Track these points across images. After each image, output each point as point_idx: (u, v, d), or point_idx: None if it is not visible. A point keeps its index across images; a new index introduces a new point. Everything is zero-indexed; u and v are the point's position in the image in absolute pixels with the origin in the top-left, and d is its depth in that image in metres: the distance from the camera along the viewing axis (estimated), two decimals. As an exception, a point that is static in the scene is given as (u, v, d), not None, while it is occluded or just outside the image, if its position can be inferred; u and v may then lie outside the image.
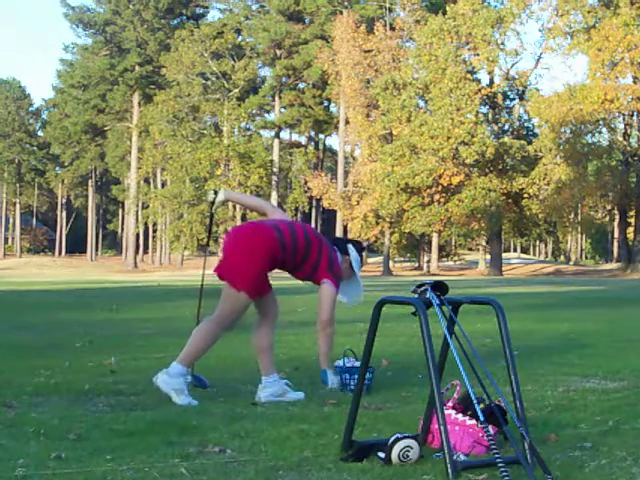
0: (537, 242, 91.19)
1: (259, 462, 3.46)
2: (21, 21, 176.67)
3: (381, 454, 3.48)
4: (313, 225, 71.30)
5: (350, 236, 57.46)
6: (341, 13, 59.58)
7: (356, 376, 4.76)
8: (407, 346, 7.90)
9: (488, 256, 58.78)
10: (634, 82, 49.52)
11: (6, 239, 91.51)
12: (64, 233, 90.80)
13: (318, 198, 62.52)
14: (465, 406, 3.78)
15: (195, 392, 5.06)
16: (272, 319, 5.25)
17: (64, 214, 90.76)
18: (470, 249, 79.12)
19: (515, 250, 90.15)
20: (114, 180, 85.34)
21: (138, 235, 75.15)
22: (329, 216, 76.70)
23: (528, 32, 57.03)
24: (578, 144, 50.50)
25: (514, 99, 56.77)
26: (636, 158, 51.81)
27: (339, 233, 59.84)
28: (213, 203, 5.44)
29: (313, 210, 70.95)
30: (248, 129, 67.40)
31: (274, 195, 64.82)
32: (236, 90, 63.29)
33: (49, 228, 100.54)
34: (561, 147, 51.35)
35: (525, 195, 53.26)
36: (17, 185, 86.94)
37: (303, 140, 75.34)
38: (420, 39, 52.56)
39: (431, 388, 3.34)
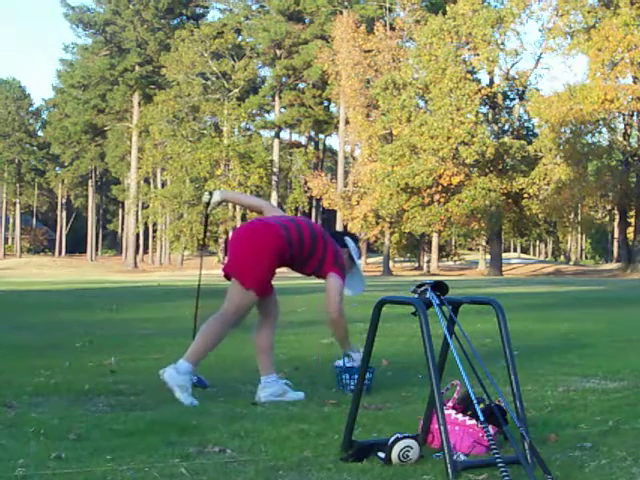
0: (537, 242, 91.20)
1: (259, 462, 3.46)
2: (21, 21, 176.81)
3: (381, 454, 3.48)
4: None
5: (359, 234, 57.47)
6: (341, 13, 59.59)
7: (356, 376, 4.76)
8: (407, 346, 7.90)
9: (488, 256, 58.78)
10: (634, 82, 49.52)
11: (6, 239, 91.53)
12: (64, 233, 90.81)
13: (318, 198, 62.52)
14: (465, 406, 3.78)
15: (195, 392, 5.05)
16: (273, 319, 5.26)
17: (64, 214, 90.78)
18: (470, 249, 79.12)
19: (515, 250, 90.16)
20: (114, 180, 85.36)
21: (138, 235, 75.16)
22: (329, 216, 76.68)
23: (528, 32, 57.12)
24: (578, 144, 50.50)
25: (514, 99, 56.78)
26: (636, 158, 51.81)
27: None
28: (208, 204, 5.44)
29: (313, 210, 70.94)
30: (248, 129, 67.43)
31: (274, 195, 64.83)
32: (236, 90, 63.29)
33: (49, 228, 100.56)
34: (561, 147, 51.36)
35: (525, 195, 53.27)
36: (17, 185, 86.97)
37: (303, 140, 75.38)
38: (420, 39, 52.56)
39: (431, 388, 3.34)
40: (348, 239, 5.48)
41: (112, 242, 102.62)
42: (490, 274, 52.85)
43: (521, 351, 7.10)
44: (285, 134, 74.14)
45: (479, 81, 54.26)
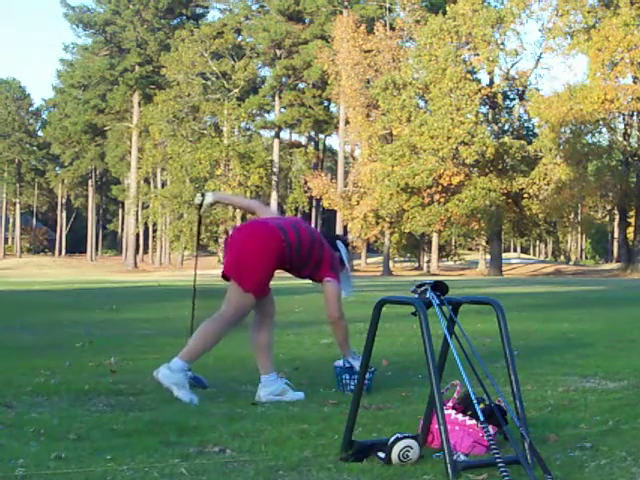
0: (537, 242, 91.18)
1: (259, 462, 3.46)
2: (21, 21, 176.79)
3: (381, 454, 3.48)
4: (313, 225, 71.33)
5: (350, 236, 57.49)
6: (341, 13, 59.59)
7: (356, 376, 4.76)
8: (407, 346, 7.90)
9: (488, 256, 58.78)
10: (634, 82, 49.53)
11: (6, 239, 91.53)
12: (64, 233, 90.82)
13: (318, 198, 62.52)
14: (465, 406, 3.78)
15: (195, 392, 5.06)
16: (270, 319, 5.26)
17: (64, 214, 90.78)
18: (470, 249, 79.09)
19: (515, 250, 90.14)
20: (114, 180, 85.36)
21: (138, 235, 75.16)
22: (329, 216, 76.68)
23: (528, 32, 57.13)
24: (578, 144, 50.51)
25: (514, 99, 56.79)
26: (636, 158, 51.82)
27: (339, 233, 59.85)
28: (201, 206, 5.41)
29: (313, 210, 70.94)
30: (248, 129, 67.42)
31: (274, 195, 64.82)
32: (236, 90, 63.28)
33: (49, 228, 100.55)
34: (561, 147, 51.36)
35: (525, 195, 53.26)
36: (17, 185, 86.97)
37: (303, 140, 75.36)
38: (420, 39, 52.57)
39: (431, 388, 3.34)
40: (340, 243, 5.49)
41: (112, 242, 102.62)
42: (490, 274, 52.85)
43: (521, 351, 7.10)
44: (285, 134, 74.21)
45: (479, 81, 54.26)
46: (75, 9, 72.45)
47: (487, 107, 55.14)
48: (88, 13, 72.77)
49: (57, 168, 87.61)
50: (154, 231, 75.52)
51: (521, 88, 55.47)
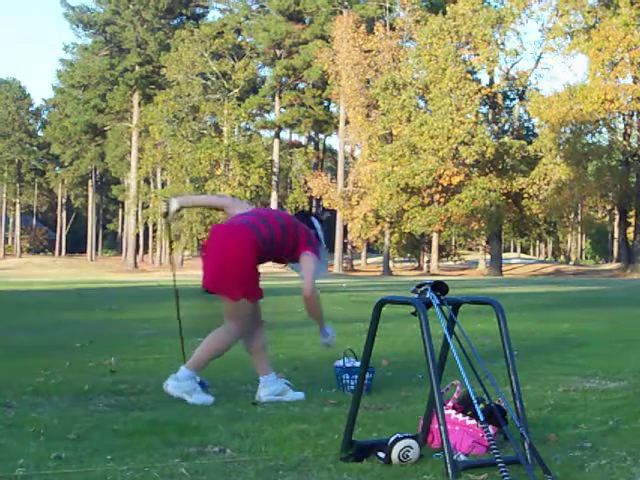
0: (537, 242, 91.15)
1: (259, 462, 3.46)
2: (21, 21, 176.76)
3: (381, 454, 3.48)
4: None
5: (350, 236, 57.53)
6: (341, 13, 59.58)
7: (356, 376, 4.76)
8: (407, 346, 7.90)
9: (488, 256, 58.78)
10: (634, 82, 49.53)
11: (6, 239, 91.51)
12: (64, 233, 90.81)
13: (318, 198, 62.50)
14: (465, 406, 3.78)
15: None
16: (260, 324, 5.24)
17: (64, 214, 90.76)
18: (470, 249, 79.07)
19: (515, 250, 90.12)
20: (114, 180, 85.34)
21: (138, 235, 75.14)
22: (329, 216, 76.65)
23: (528, 32, 57.15)
24: (578, 144, 50.51)
25: (514, 99, 56.80)
26: (636, 158, 51.82)
27: (339, 233, 59.89)
28: (167, 214, 5.30)
29: (313, 210, 70.91)
30: (248, 129, 67.38)
31: (274, 195, 64.81)
32: (236, 90, 63.26)
33: (49, 228, 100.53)
34: (561, 147, 51.36)
35: (525, 195, 53.27)
36: (17, 185, 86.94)
37: (303, 140, 75.33)
38: (420, 39, 52.57)
39: (431, 388, 3.34)
40: (315, 220, 5.42)
41: (112, 242, 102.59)
42: (490, 274, 52.85)
43: (521, 351, 7.10)
44: (285, 134, 74.18)
45: (479, 81, 54.27)
46: (75, 9, 72.41)
47: (487, 107, 55.14)
48: (88, 13, 72.72)
49: (57, 168, 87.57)
50: (154, 231, 75.49)
51: (521, 88, 55.48)
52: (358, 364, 5.15)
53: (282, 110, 66.99)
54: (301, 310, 13.21)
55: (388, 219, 53.75)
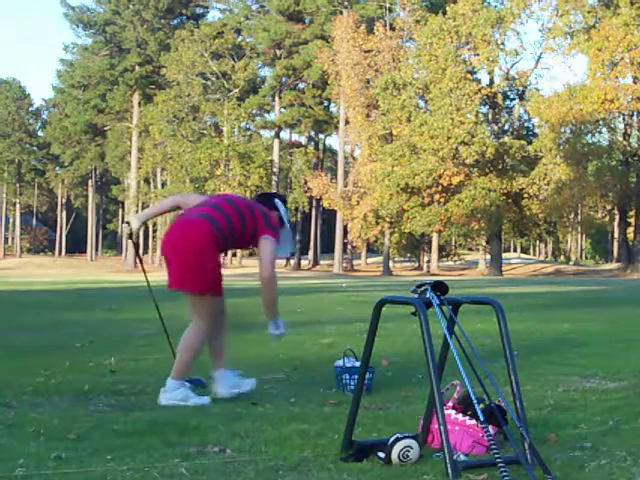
0: (537, 242, 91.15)
1: (259, 462, 3.46)
2: (21, 21, 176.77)
3: (381, 454, 3.48)
4: (313, 225, 71.32)
5: (350, 236, 57.52)
6: (341, 13, 59.57)
7: (356, 376, 4.76)
8: (407, 346, 7.90)
9: (488, 256, 58.77)
10: (634, 82, 49.52)
11: (6, 239, 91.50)
12: (64, 233, 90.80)
13: (318, 198, 62.50)
14: (465, 406, 3.78)
15: (195, 392, 5.07)
16: (223, 314, 5.23)
17: (64, 214, 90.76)
18: (470, 249, 79.08)
19: (515, 250, 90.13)
20: (114, 180, 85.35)
21: (138, 235, 75.05)
22: (329, 216, 76.67)
23: (528, 32, 57.15)
24: (578, 144, 50.50)
25: (514, 99, 56.79)
26: (636, 158, 51.81)
27: (339, 233, 59.89)
28: (131, 234, 5.32)
29: (313, 210, 70.94)
30: (248, 129, 67.38)
31: (274, 195, 64.73)
32: (236, 90, 63.27)
33: (49, 228, 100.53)
34: (561, 147, 51.36)
35: (525, 195, 53.26)
36: (17, 185, 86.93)
37: (303, 140, 75.30)
38: (420, 39, 52.56)
39: (431, 388, 3.34)
40: (278, 202, 5.36)
41: (112, 242, 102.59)
42: (490, 274, 52.84)
43: (521, 351, 7.10)
44: (285, 134, 74.16)
45: (479, 81, 54.25)
46: (75, 9, 72.43)
47: (487, 107, 55.13)
48: (88, 13, 72.74)
49: (57, 168, 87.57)
50: (154, 231, 75.51)
51: (521, 88, 55.47)
52: (358, 364, 5.14)
53: (282, 110, 66.99)
54: (301, 310, 13.22)
55: (388, 219, 53.74)
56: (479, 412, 3.36)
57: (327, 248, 78.88)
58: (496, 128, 54.99)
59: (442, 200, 51.66)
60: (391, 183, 50.32)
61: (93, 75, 70.37)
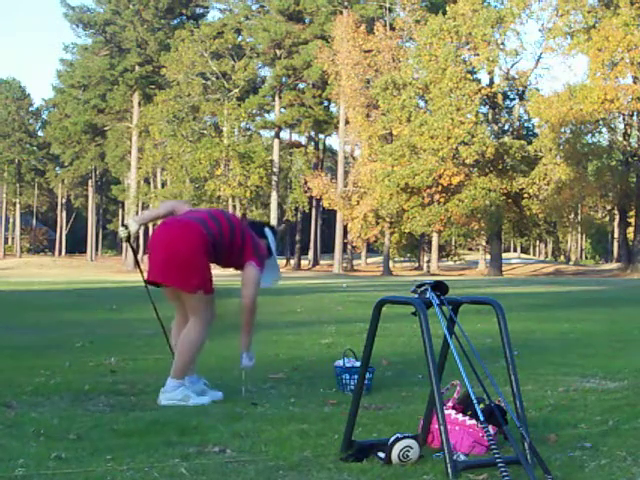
0: (537, 242, 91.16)
1: (259, 462, 3.46)
2: (21, 21, 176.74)
3: (381, 454, 3.48)
4: (313, 225, 71.31)
5: (350, 236, 57.53)
6: (341, 13, 59.57)
7: (356, 376, 4.76)
8: (407, 346, 7.90)
9: (488, 256, 58.77)
10: (634, 82, 49.52)
11: (6, 239, 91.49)
12: (64, 233, 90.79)
13: (318, 198, 62.48)
14: (465, 406, 3.78)
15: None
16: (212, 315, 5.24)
17: (64, 214, 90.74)
18: (470, 249, 79.10)
19: (515, 250, 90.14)
20: (114, 180, 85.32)
21: (138, 235, 75.13)
22: (329, 216, 76.65)
23: (528, 32, 57.16)
24: (578, 144, 50.50)
25: (514, 99, 56.78)
26: (636, 158, 51.81)
27: (339, 233, 59.89)
28: (129, 237, 5.31)
29: (313, 210, 70.95)
30: (248, 129, 67.37)
31: (274, 195, 64.80)
32: (236, 90, 63.26)
33: (49, 228, 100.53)
34: (561, 147, 51.35)
35: (525, 195, 53.26)
36: (17, 185, 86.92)
37: (303, 140, 75.30)
38: (420, 39, 52.55)
39: (431, 388, 3.34)
40: (267, 231, 5.42)
41: (112, 242, 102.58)
42: (490, 274, 52.84)
43: (521, 351, 7.10)
44: (285, 134, 74.14)
45: (479, 81, 54.25)
46: (75, 9, 72.40)
47: (487, 107, 55.13)
48: (88, 13, 72.71)
49: (57, 168, 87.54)
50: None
51: (521, 88, 55.46)
52: (358, 364, 5.15)
53: (282, 110, 66.98)
54: (301, 310, 13.23)
55: (388, 219, 53.74)
56: (479, 412, 3.36)
57: (327, 248, 78.91)
58: (496, 128, 54.99)
59: (442, 200, 51.66)
60: (391, 183, 50.31)
61: (93, 75, 70.35)
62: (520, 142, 52.15)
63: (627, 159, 51.82)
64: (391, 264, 60.83)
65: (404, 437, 3.47)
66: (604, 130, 51.97)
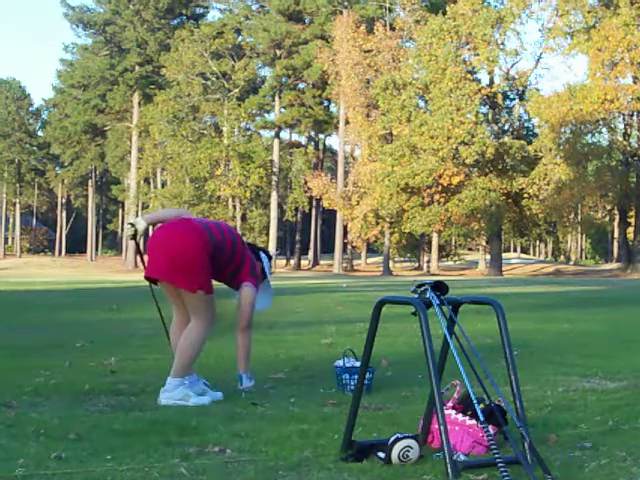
0: (537, 242, 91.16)
1: (259, 462, 3.46)
2: (21, 21, 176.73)
3: (381, 454, 3.48)
4: (313, 225, 71.30)
5: (350, 236, 57.53)
6: (341, 13, 59.57)
7: (356, 376, 4.76)
8: (407, 346, 7.89)
9: (488, 256, 58.77)
10: (634, 82, 49.52)
11: (6, 239, 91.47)
12: (64, 233, 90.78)
13: (318, 198, 62.49)
14: (465, 406, 3.78)
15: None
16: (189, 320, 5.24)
17: (64, 214, 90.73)
18: (470, 249, 79.10)
19: (515, 250, 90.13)
20: (114, 180, 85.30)
21: (143, 235, 75.00)
22: (329, 216, 76.64)
23: (528, 32, 57.17)
24: (578, 144, 50.51)
25: (514, 99, 56.79)
26: (636, 158, 51.81)
27: (339, 233, 59.89)
28: (135, 235, 5.27)
29: (313, 210, 70.94)
30: (248, 129, 67.36)
31: (274, 195, 64.79)
32: (236, 90, 63.26)
33: (49, 228, 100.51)
34: (561, 147, 51.36)
35: (525, 195, 53.27)
36: (17, 185, 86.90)
37: (303, 140, 75.31)
38: (420, 39, 52.55)
39: (431, 388, 3.34)
40: (263, 255, 5.51)
41: (112, 242, 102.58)
42: (490, 274, 52.84)
43: (521, 351, 7.10)
44: (285, 134, 74.15)
45: (479, 81, 54.25)
46: (75, 9, 72.40)
47: (487, 107, 55.13)
48: (88, 13, 72.71)
49: (57, 168, 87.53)
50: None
51: (521, 88, 55.46)
52: (358, 364, 5.15)
53: (282, 110, 66.97)
54: (301, 310, 13.22)
55: (388, 219, 53.74)
56: (479, 412, 3.36)
57: (327, 248, 78.91)
58: (496, 128, 54.99)
59: (442, 200, 51.66)
60: (391, 183, 50.31)
61: (93, 75, 70.34)
62: (520, 142, 52.15)
63: (627, 159, 51.83)
64: (391, 264, 60.84)
65: (404, 437, 3.47)
66: (604, 130, 52.00)
